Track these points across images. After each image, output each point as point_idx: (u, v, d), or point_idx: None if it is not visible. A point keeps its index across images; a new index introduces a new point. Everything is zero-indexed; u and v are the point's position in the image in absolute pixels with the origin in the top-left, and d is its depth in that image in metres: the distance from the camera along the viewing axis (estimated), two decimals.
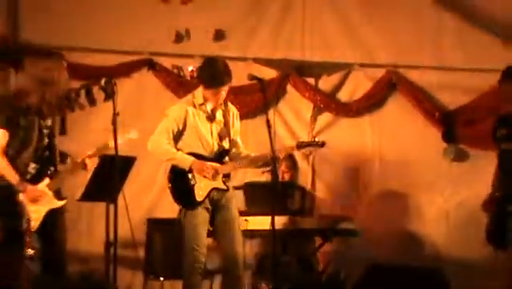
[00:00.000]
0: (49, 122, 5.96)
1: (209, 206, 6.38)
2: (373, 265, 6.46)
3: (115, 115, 6.29)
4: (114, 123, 6.24)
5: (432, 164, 8.46)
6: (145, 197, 8.03)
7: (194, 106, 6.42)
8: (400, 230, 8.40)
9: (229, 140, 6.49)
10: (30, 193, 5.86)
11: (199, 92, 6.44)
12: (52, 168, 5.97)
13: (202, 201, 6.34)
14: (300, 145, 6.71)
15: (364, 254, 7.92)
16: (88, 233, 7.60)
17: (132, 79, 8.11)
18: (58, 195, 5.99)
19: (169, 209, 7.87)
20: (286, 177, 7.95)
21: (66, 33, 7.85)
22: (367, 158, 8.45)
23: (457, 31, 8.48)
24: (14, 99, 5.89)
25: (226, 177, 6.45)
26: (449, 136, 8.45)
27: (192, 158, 6.33)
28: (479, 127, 8.28)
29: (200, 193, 6.35)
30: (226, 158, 6.45)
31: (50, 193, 5.96)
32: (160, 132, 6.40)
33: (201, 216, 6.35)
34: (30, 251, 6.02)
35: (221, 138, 6.47)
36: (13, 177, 5.83)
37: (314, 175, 8.39)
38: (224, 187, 6.40)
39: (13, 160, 5.82)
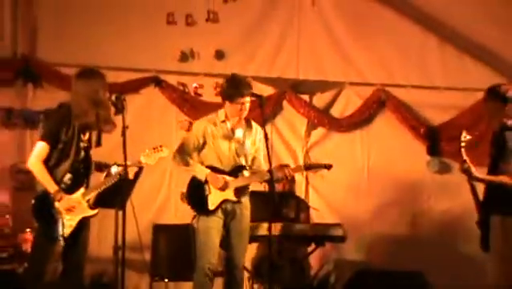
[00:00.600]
0: (86, 136, 6.01)
1: (222, 216, 6.41)
2: (361, 270, 6.49)
3: (125, 128, 6.34)
4: (123, 135, 6.28)
5: (417, 175, 8.50)
6: (151, 205, 8.06)
7: (215, 124, 6.46)
8: (388, 236, 8.42)
9: (246, 157, 6.52)
10: (66, 203, 5.90)
11: (222, 111, 6.50)
12: (86, 180, 6.03)
13: (214, 210, 6.38)
14: (308, 167, 6.81)
15: (354, 259, 7.96)
16: (98, 237, 7.57)
17: (140, 95, 8.13)
18: (90, 204, 6.05)
19: (173, 215, 7.98)
20: (286, 186, 7.97)
21: (79, 52, 7.86)
22: (357, 170, 8.48)
23: (440, 53, 8.55)
24: (75, 118, 5.93)
25: (241, 190, 6.47)
26: (432, 150, 8.50)
27: (208, 170, 6.38)
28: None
29: (212, 203, 6.38)
30: (243, 173, 6.48)
31: (85, 203, 6.01)
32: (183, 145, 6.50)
33: (214, 222, 6.39)
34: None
35: (238, 155, 6.50)
36: (51, 186, 5.86)
37: (307, 186, 8.41)
38: (234, 199, 6.42)
39: (51, 170, 5.87)
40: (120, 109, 6.39)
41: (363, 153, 8.55)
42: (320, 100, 8.58)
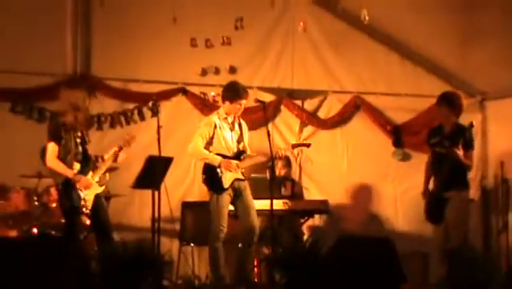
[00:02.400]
0: (79, 134, 5.98)
1: (232, 193, 6.43)
2: (342, 236, 6.45)
3: (159, 127, 6.34)
4: (158, 133, 6.32)
5: (385, 162, 8.48)
6: (180, 186, 8.01)
7: (219, 118, 6.44)
8: (362, 211, 8.42)
9: (243, 144, 6.49)
10: (83, 182, 5.90)
11: (222, 110, 6.52)
12: (89, 166, 6.03)
13: (227, 188, 6.36)
14: (294, 145, 6.87)
15: (336, 228, 7.95)
16: (139, 212, 7.61)
17: (170, 101, 8.09)
18: (99, 183, 6.09)
19: (198, 194, 7.97)
20: (283, 172, 7.93)
21: (124, 70, 7.89)
22: (339, 159, 8.44)
23: (401, 67, 8.50)
24: (60, 117, 5.92)
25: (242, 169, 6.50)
26: (397, 143, 8.48)
27: (220, 157, 6.37)
28: (418, 136, 8.29)
29: (226, 182, 6.38)
30: (242, 157, 6.48)
31: (94, 182, 6.03)
32: (197, 139, 6.44)
33: (225, 199, 6.42)
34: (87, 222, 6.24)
35: (238, 142, 6.51)
36: (70, 172, 5.88)
37: (301, 170, 8.35)
38: (242, 177, 6.45)
39: (62, 162, 5.88)
40: (155, 113, 6.46)
41: (343, 146, 8.50)
42: (310, 105, 8.53)
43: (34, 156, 7.05)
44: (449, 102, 6.73)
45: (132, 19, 7.89)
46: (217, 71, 8.25)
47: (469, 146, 6.59)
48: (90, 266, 5.31)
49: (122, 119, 7.93)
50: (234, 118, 6.53)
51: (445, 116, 6.72)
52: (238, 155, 6.49)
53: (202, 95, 8.22)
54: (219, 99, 8.12)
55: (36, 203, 6.91)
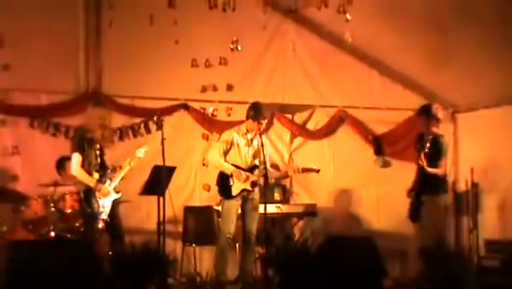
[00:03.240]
0: (98, 146, 6.01)
1: (240, 201, 6.46)
2: (329, 236, 6.47)
3: (163, 140, 6.35)
4: (162, 144, 6.33)
5: (367, 169, 8.50)
6: (183, 192, 8.02)
7: (239, 134, 6.46)
8: (348, 213, 8.45)
9: (259, 160, 6.51)
10: (103, 191, 5.92)
11: (243, 125, 6.57)
12: (108, 175, 6.09)
13: (235, 196, 6.39)
14: (304, 169, 6.85)
15: (323, 229, 7.97)
16: (146, 216, 7.59)
17: (173, 116, 8.09)
18: (115, 190, 6.14)
19: (198, 200, 7.99)
20: (273, 179, 7.91)
21: (131, 87, 7.87)
22: (326, 166, 8.37)
23: (381, 84, 8.56)
24: (86, 132, 5.95)
25: (255, 182, 6.50)
26: (378, 151, 8.51)
27: (233, 168, 6.40)
28: (397, 145, 8.36)
29: (234, 191, 6.42)
30: (256, 171, 6.51)
31: (111, 189, 6.05)
32: (215, 149, 6.48)
33: (233, 205, 6.46)
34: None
35: (254, 157, 6.55)
36: (91, 181, 5.91)
37: (291, 177, 8.36)
38: (250, 189, 6.48)
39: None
40: (160, 126, 6.47)
41: (330, 155, 8.54)
42: (299, 118, 8.58)
43: (51, 167, 7.09)
44: (426, 112, 6.84)
45: (138, 42, 7.89)
46: (215, 89, 8.28)
47: (438, 156, 6.68)
48: (102, 266, 5.33)
49: (130, 132, 7.95)
50: (255, 135, 6.55)
51: (425, 126, 6.84)
52: (252, 168, 6.53)
53: (202, 110, 8.24)
54: (217, 113, 8.20)
55: (53, 209, 6.92)
